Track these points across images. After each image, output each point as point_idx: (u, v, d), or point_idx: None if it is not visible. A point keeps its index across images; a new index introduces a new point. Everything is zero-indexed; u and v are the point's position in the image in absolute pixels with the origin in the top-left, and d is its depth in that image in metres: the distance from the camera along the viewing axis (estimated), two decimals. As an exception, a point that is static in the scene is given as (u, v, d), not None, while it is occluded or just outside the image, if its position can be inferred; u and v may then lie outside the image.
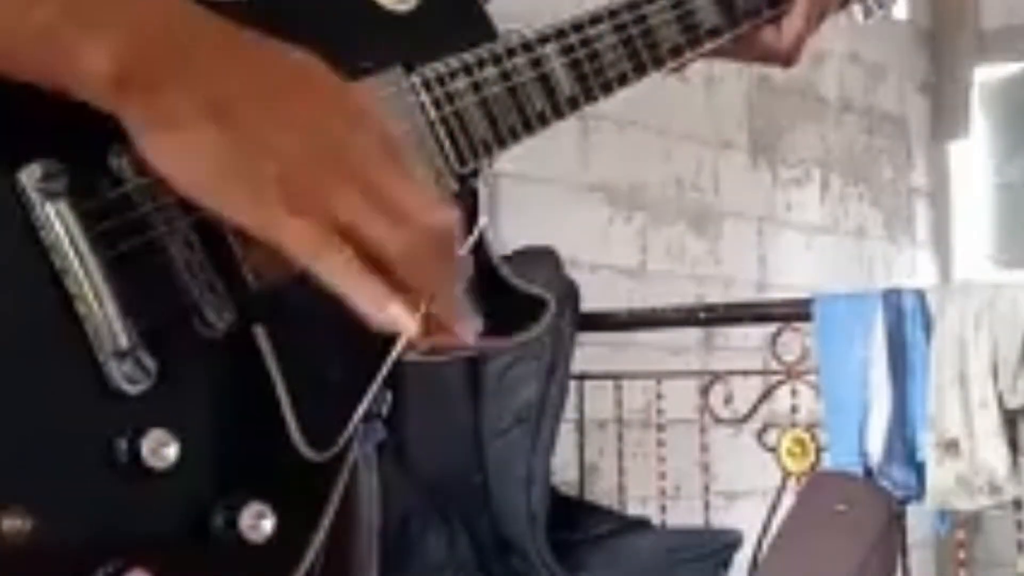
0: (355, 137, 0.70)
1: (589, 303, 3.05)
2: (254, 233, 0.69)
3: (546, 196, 3.41)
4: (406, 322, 0.69)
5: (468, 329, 0.75)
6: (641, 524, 3.02)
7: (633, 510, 3.16)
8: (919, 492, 2.51)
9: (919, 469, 2.52)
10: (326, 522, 0.76)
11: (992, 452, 2.40)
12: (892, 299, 2.60)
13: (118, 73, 0.66)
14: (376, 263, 0.69)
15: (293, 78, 0.71)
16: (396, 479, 2.62)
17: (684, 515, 3.21)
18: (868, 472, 2.58)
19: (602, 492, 3.33)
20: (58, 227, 0.68)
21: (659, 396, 3.17)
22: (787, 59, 1.09)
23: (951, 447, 2.43)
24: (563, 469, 3.17)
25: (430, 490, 2.75)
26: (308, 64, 0.72)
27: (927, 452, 2.48)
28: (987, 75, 4.99)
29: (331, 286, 0.69)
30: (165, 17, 0.68)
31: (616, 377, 3.20)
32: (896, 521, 2.57)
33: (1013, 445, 2.42)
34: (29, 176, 0.68)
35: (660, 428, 3.17)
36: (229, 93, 0.68)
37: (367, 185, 0.69)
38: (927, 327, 2.56)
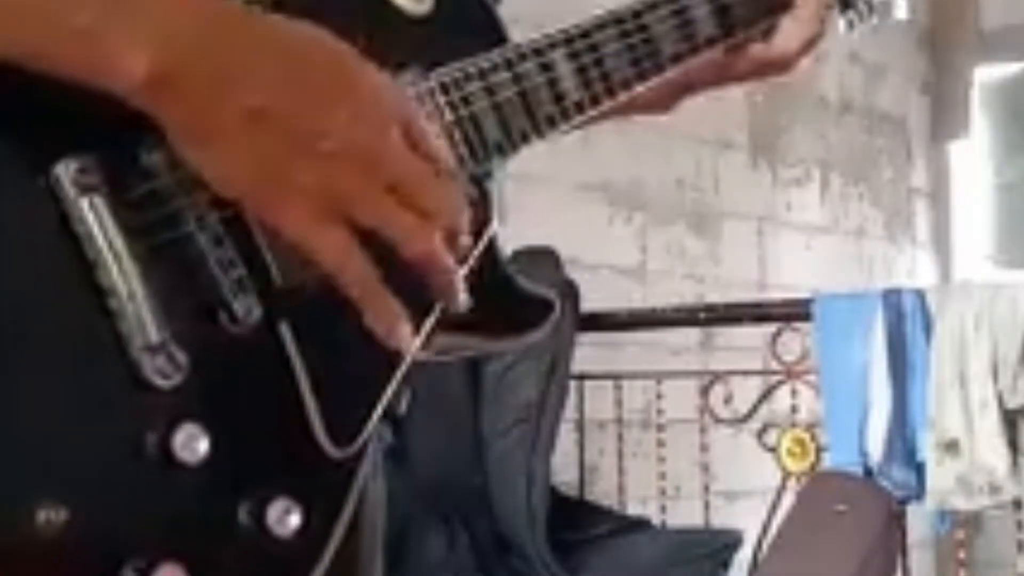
0: (386, 140, 0.72)
1: (589, 303, 3.05)
2: (285, 236, 0.72)
3: (546, 196, 3.41)
4: (408, 344, 0.74)
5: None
6: (641, 524, 3.01)
7: (633, 510, 3.16)
8: (919, 492, 2.51)
9: (919, 469, 2.51)
10: (346, 518, 0.77)
11: (992, 452, 2.40)
12: (892, 299, 2.60)
13: (156, 76, 0.67)
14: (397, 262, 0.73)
15: (330, 79, 0.72)
16: (396, 479, 2.61)
17: (684, 515, 3.21)
18: (868, 472, 2.58)
19: (602, 492, 3.33)
20: (92, 221, 0.69)
21: (659, 396, 3.17)
22: (781, 70, 1.11)
23: (951, 447, 2.43)
24: (563, 469, 3.17)
25: (430, 490, 2.75)
26: (344, 61, 0.73)
27: (927, 452, 2.48)
28: (987, 75, 4.99)
29: (350, 296, 0.72)
30: (205, 19, 0.69)
31: (616, 377, 3.20)
32: (896, 521, 2.57)
33: (1013, 445, 2.42)
34: (64, 171, 0.69)
35: (660, 428, 3.17)
36: (266, 97, 0.69)
37: (392, 186, 0.72)
38: (927, 327, 2.56)
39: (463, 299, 0.76)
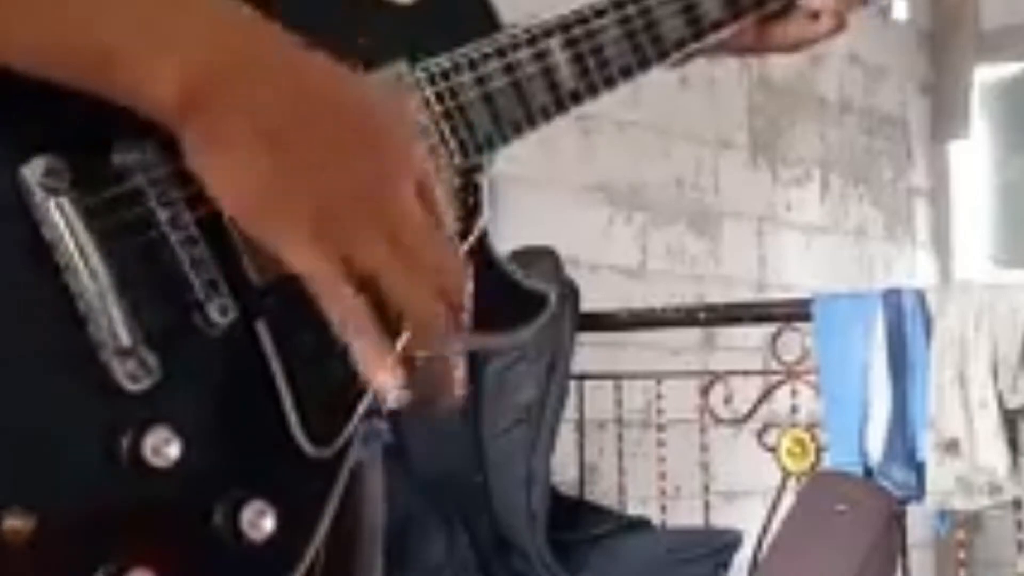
0: (394, 186, 0.71)
1: (589, 303, 3.04)
2: (284, 262, 0.70)
3: (546, 196, 3.41)
4: (390, 391, 0.72)
5: (457, 385, 0.76)
6: (641, 524, 3.01)
7: (633, 510, 3.16)
8: (919, 492, 2.51)
9: (919, 469, 2.51)
10: (327, 520, 0.76)
11: (992, 452, 2.40)
12: (892, 299, 2.60)
13: (183, 98, 0.67)
14: (388, 311, 0.71)
15: (347, 111, 0.71)
16: (396, 479, 2.61)
17: (684, 515, 3.21)
18: (868, 472, 2.58)
19: (602, 492, 3.33)
20: (60, 223, 0.68)
21: (659, 396, 3.17)
22: (789, 51, 1.07)
23: (951, 447, 2.43)
24: (563, 469, 3.17)
25: (430, 490, 2.75)
26: (363, 97, 0.72)
27: (927, 452, 2.47)
28: (987, 75, 4.99)
29: (338, 329, 0.71)
30: (231, 39, 0.69)
31: (616, 377, 3.20)
32: (896, 521, 2.56)
33: (1013, 445, 2.42)
34: (32, 171, 0.67)
35: (660, 428, 3.17)
36: (284, 121, 0.69)
37: (397, 237, 0.70)
38: (927, 327, 2.56)
39: (458, 394, 0.75)
